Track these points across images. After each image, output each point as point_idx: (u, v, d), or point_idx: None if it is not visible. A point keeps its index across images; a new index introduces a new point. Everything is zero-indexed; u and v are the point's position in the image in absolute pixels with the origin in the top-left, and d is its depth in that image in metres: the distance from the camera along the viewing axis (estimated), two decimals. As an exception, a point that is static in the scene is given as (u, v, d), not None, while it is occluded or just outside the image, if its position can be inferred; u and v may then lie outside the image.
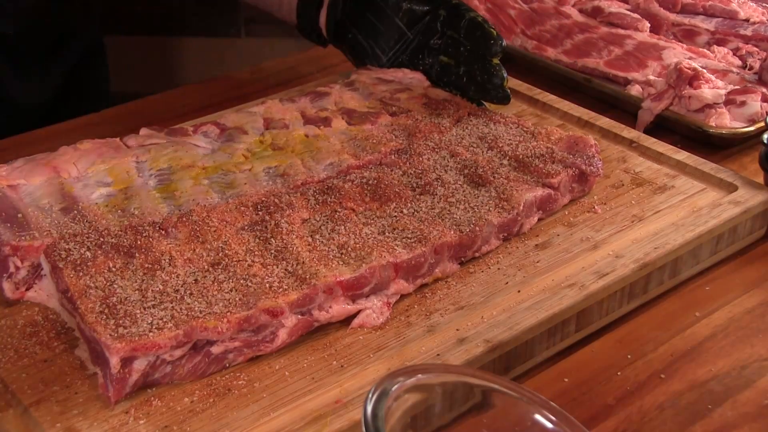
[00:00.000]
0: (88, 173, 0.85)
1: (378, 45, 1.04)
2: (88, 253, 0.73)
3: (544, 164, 0.88)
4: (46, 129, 1.06)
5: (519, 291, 0.77)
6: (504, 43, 0.97)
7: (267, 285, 0.72)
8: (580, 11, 1.31)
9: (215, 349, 0.69)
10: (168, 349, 0.67)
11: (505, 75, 0.97)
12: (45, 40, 1.21)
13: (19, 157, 0.87)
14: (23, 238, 0.76)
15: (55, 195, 0.82)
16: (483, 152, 0.90)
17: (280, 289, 0.71)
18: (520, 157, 0.89)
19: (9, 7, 1.14)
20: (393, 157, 0.89)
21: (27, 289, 0.76)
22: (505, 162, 0.89)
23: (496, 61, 0.97)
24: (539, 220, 0.86)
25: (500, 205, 0.83)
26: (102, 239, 0.75)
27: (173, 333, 0.67)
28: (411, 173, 0.86)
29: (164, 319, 0.68)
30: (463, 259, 0.81)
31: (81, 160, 0.86)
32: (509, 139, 0.92)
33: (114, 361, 0.65)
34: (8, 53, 1.17)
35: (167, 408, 0.67)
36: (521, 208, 0.83)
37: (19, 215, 0.79)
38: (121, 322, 0.67)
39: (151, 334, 0.66)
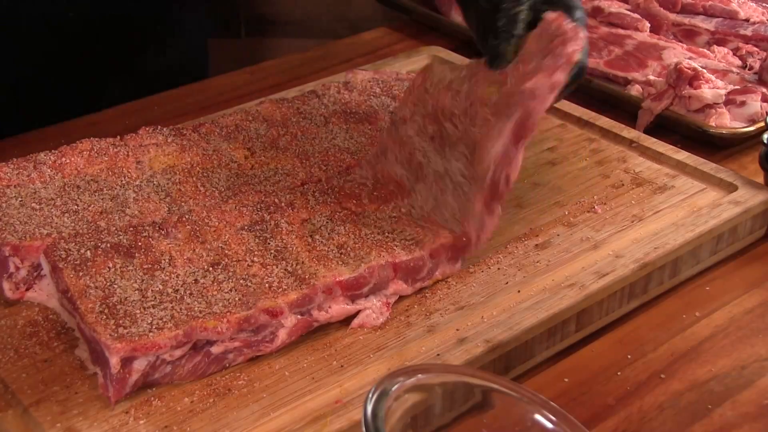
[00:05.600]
0: (88, 173, 0.85)
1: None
2: (88, 253, 0.73)
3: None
4: (46, 129, 1.06)
5: (519, 291, 0.77)
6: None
7: (266, 285, 0.72)
8: (580, 11, 1.31)
9: (215, 349, 0.69)
10: (168, 349, 0.67)
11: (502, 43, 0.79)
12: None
13: (20, 157, 0.87)
14: (24, 238, 0.76)
15: (56, 195, 0.82)
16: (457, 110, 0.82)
17: (280, 289, 0.71)
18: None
19: None
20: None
21: (27, 289, 0.76)
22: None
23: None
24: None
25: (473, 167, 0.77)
26: (102, 239, 0.75)
27: (173, 333, 0.67)
28: (402, 159, 0.84)
29: (164, 319, 0.68)
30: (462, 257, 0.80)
31: (81, 160, 0.86)
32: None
33: (114, 361, 0.65)
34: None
35: (167, 408, 0.67)
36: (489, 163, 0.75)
37: (20, 215, 0.79)
38: (121, 322, 0.67)
39: (151, 334, 0.66)
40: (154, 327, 0.67)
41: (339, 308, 0.73)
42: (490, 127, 0.76)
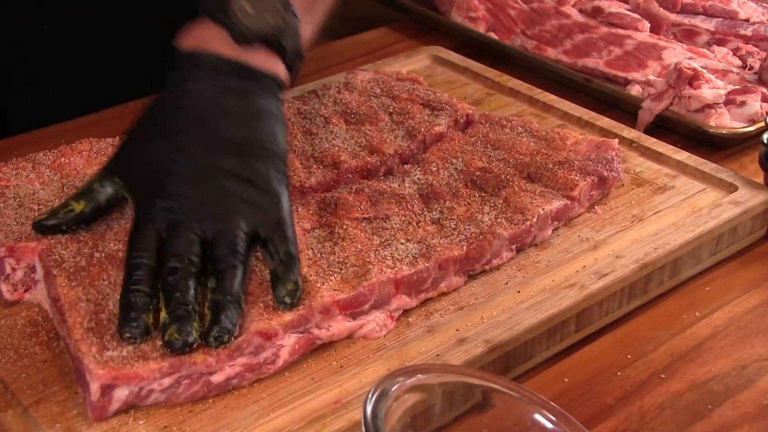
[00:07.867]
0: (87, 173, 0.85)
1: None
2: (83, 261, 0.72)
3: (562, 173, 0.86)
4: (46, 129, 1.06)
5: (519, 291, 0.77)
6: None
7: (261, 305, 0.69)
8: (580, 11, 1.31)
9: (215, 378, 0.66)
10: (151, 381, 0.64)
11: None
12: None
13: (19, 157, 0.86)
14: (19, 239, 0.75)
15: (54, 196, 0.82)
16: (494, 161, 0.88)
17: (275, 311, 0.69)
18: (535, 165, 0.87)
19: None
20: (406, 167, 0.88)
21: (25, 291, 0.76)
22: (517, 171, 0.87)
23: None
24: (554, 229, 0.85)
25: (512, 218, 0.81)
26: (98, 247, 0.73)
27: (158, 365, 0.64)
28: (421, 182, 0.84)
29: (150, 349, 0.65)
30: (471, 272, 0.79)
31: (80, 160, 0.86)
32: (521, 147, 0.90)
33: (94, 388, 0.63)
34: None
35: (167, 408, 0.67)
36: (535, 220, 0.81)
37: (17, 216, 0.78)
38: (107, 343, 0.65)
39: (135, 364, 0.64)
40: (138, 355, 0.64)
41: (340, 326, 0.71)
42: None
